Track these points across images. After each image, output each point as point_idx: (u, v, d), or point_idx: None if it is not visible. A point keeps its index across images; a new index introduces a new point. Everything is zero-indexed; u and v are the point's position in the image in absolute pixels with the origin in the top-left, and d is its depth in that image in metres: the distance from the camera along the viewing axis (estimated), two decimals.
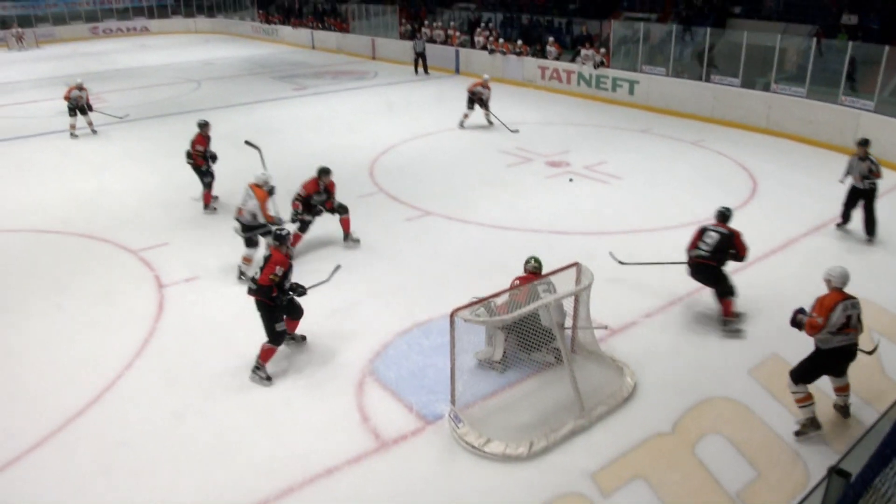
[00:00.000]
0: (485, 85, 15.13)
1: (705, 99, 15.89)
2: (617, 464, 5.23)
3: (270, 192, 8.21)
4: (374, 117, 17.01)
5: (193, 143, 10.40)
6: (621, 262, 7.85)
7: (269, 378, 6.32)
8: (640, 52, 17.78)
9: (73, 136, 15.36)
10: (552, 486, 5.02)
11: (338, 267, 7.20)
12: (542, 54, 20.23)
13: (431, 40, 23.55)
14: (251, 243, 8.26)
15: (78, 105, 15.21)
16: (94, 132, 15.76)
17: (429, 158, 13.26)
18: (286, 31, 33.70)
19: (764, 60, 15.06)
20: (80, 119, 15.39)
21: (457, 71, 23.02)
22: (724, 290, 6.98)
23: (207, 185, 10.61)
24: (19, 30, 35.71)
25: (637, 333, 6.99)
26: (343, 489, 5.07)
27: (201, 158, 10.38)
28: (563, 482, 5.05)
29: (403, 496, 5.00)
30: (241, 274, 8.20)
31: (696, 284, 7.30)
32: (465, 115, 15.28)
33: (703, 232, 7.04)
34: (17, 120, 17.73)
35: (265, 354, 6.31)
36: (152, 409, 6.00)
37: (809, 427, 5.47)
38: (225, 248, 9.17)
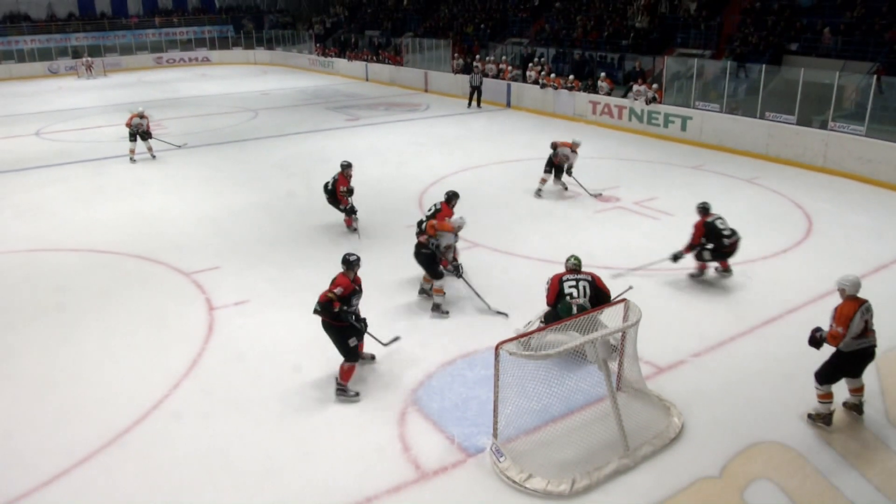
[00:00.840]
0: (574, 149, 12.76)
1: (760, 136, 15.64)
2: None
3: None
4: (425, 148, 17.23)
5: (336, 183, 10.65)
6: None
7: (356, 394, 6.46)
8: (693, 88, 17.65)
9: (132, 160, 16.00)
10: None
11: (397, 338, 7.22)
12: (594, 89, 20.25)
13: (484, 74, 23.79)
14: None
15: (139, 131, 15.83)
16: (154, 157, 16.35)
17: (478, 191, 13.30)
18: (341, 63, 34.52)
19: (821, 98, 14.77)
20: (141, 145, 16.01)
21: (508, 105, 23.20)
22: None
23: (348, 213, 10.93)
24: (89, 59, 37.45)
25: (685, 373, 6.83)
26: None
27: (345, 197, 10.66)
28: None
29: None
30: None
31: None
32: (543, 181, 12.94)
33: None
34: (84, 144, 18.50)
35: (344, 374, 6.44)
36: (197, 431, 6.10)
37: (820, 420, 5.88)
38: (274, 272, 9.36)
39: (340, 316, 6.28)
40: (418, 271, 8.81)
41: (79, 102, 26.80)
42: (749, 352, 7.17)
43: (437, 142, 18.05)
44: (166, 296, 8.86)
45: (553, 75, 21.55)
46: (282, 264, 9.74)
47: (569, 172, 12.90)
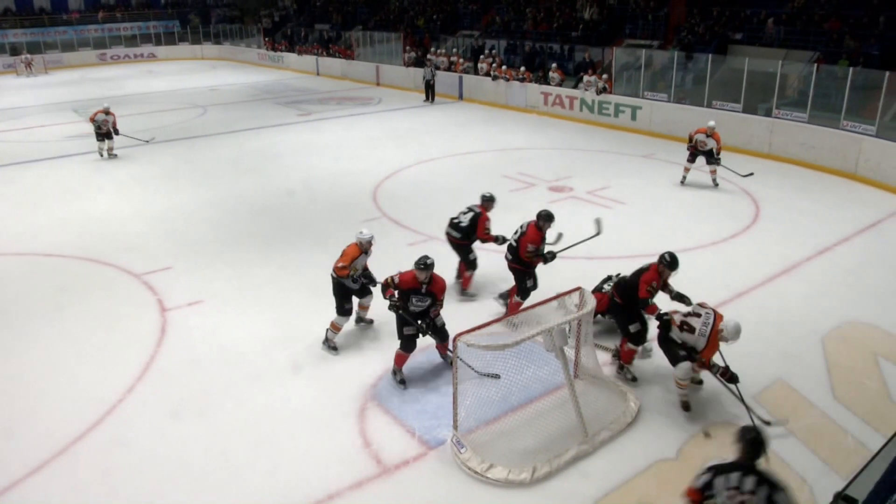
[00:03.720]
0: (709, 133, 12.27)
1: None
2: (620, 491, 5.18)
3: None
4: (379, 142, 17.12)
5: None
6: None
7: (402, 382, 6.55)
8: (642, 78, 17.93)
9: (102, 156, 15.74)
10: None
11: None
12: (545, 80, 20.41)
13: (436, 67, 23.76)
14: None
15: (103, 130, 15.38)
16: (114, 156, 15.87)
17: (432, 184, 13.32)
18: (292, 58, 34.08)
19: (765, 86, 15.18)
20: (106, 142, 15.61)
21: (460, 97, 23.23)
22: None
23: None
24: (29, 56, 36.21)
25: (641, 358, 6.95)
26: None
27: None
28: None
29: None
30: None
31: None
32: (686, 170, 12.82)
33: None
34: (26, 144, 17.89)
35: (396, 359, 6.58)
36: (153, 434, 5.97)
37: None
38: (228, 271, 9.22)
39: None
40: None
41: (20, 101, 25.88)
42: None
43: (391, 135, 17.97)
44: (117, 299, 8.64)
45: (504, 67, 21.66)
46: (236, 263, 9.58)
47: (712, 160, 12.41)
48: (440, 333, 6.59)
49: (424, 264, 6.27)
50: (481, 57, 23.00)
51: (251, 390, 6.55)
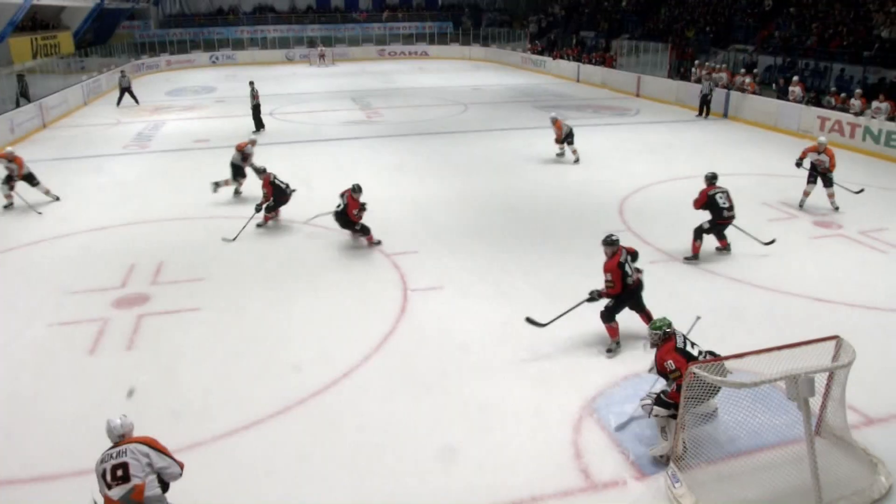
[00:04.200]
0: (820, 150, 11.95)
1: None
2: None
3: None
4: (631, 155, 16.79)
5: (348, 207, 10.08)
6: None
7: (609, 350, 7.27)
8: None
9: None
10: None
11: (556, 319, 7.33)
12: (818, 103, 18.43)
13: (715, 83, 22.23)
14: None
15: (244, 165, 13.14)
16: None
17: (682, 203, 12.72)
18: (553, 62, 34.56)
19: None
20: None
21: (725, 115, 21.89)
22: None
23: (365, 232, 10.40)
24: (323, 48, 40.83)
25: None
26: None
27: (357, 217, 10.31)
28: None
29: None
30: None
31: None
32: (806, 193, 12.32)
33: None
34: (309, 126, 20.20)
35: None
36: (379, 404, 6.50)
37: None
38: (469, 263, 9.65)
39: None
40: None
41: (308, 88, 29.28)
42: None
43: (645, 149, 17.50)
44: (368, 274, 9.48)
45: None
46: (478, 256, 10.01)
47: (827, 182, 12.10)
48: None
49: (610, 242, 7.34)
50: (794, 80, 20.69)
51: (473, 380, 6.84)
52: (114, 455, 4.21)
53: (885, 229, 11.20)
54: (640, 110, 23.57)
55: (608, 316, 7.30)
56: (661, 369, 5.56)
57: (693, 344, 5.70)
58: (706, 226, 9.67)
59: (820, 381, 5.36)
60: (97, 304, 8.63)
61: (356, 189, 10.14)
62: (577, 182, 14.16)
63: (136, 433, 4.45)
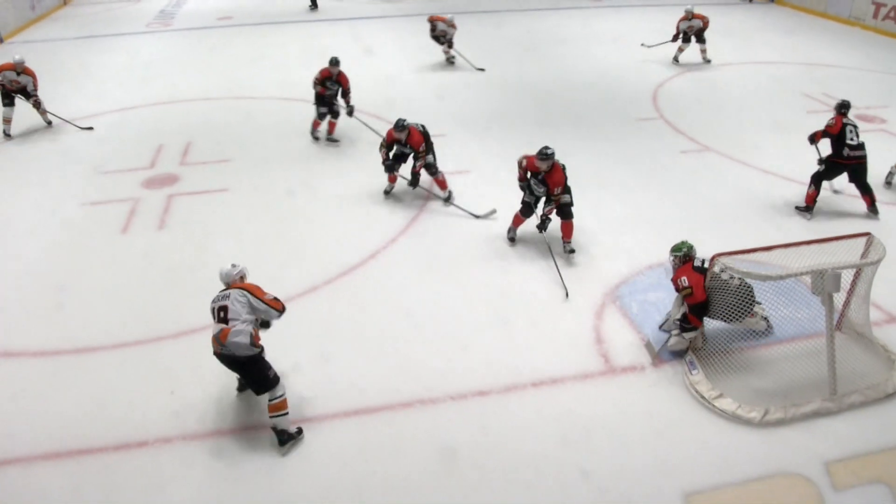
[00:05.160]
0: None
1: None
2: (859, 460, 4.74)
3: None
4: (668, 38, 16.04)
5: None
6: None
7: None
8: None
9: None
10: (778, 461, 4.73)
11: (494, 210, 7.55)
12: None
13: None
14: None
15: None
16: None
17: (719, 91, 12.32)
18: None
19: None
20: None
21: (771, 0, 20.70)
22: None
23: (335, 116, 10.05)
24: None
25: None
26: (563, 401, 5.25)
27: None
28: (792, 461, 4.73)
29: (619, 425, 5.04)
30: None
31: None
32: (680, 49, 13.84)
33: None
34: (332, 4, 19.40)
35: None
36: (407, 287, 6.64)
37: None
38: (496, 148, 9.52)
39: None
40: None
41: None
42: None
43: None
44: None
45: None
46: (504, 142, 9.84)
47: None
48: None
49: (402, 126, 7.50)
50: None
51: (498, 264, 6.92)
52: (219, 298, 4.81)
53: None
54: None
55: (526, 210, 7.13)
56: (676, 287, 5.51)
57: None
58: (822, 167, 7.88)
59: (846, 277, 5.34)
60: (128, 183, 8.73)
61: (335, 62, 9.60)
62: (612, 66, 13.65)
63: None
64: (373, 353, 5.75)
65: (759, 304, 5.71)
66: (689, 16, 13.23)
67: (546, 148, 6.69)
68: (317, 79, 9.48)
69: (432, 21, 13.26)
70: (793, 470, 4.68)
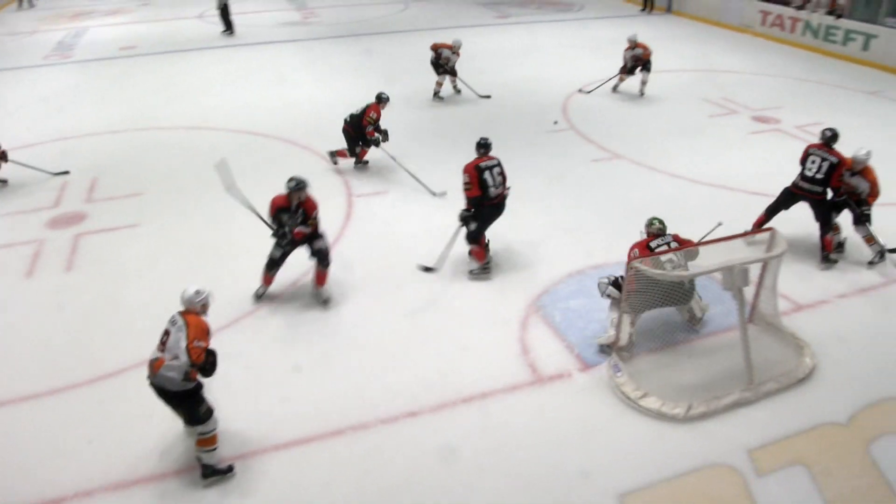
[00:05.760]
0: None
1: None
2: (778, 445, 4.97)
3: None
4: (576, 52, 16.58)
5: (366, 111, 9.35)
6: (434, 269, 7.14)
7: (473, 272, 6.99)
8: (883, 1, 15.65)
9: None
10: (704, 453, 4.90)
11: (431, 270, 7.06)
12: None
13: None
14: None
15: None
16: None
17: (626, 100, 12.78)
18: None
19: None
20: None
21: (668, 9, 21.67)
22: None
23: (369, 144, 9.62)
24: None
25: (826, 314, 6.47)
26: (493, 414, 5.27)
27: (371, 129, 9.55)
28: (717, 452, 4.91)
29: (550, 432, 5.11)
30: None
31: None
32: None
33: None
34: (240, 28, 19.13)
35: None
36: (332, 309, 6.55)
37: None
38: (414, 166, 9.56)
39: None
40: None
41: None
42: None
43: (590, 45, 17.27)
44: (310, 181, 9.26)
45: None
46: (422, 157, 9.90)
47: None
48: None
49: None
50: None
51: (419, 283, 6.91)
52: (170, 321, 4.55)
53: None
54: (584, 5, 23.11)
55: (474, 237, 6.92)
56: (628, 257, 5.62)
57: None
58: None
59: (754, 271, 5.60)
60: (31, 225, 8.30)
61: (381, 98, 9.30)
62: (522, 79, 13.98)
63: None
64: (299, 383, 5.64)
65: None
66: (633, 45, 12.57)
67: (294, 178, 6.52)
68: (372, 119, 9.13)
69: (436, 49, 12.65)
70: (719, 461, 4.85)
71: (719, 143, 10.65)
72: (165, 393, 4.53)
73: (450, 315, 6.47)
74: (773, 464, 4.82)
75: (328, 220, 8.11)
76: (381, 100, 9.28)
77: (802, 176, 7.09)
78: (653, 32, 18.73)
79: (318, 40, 17.65)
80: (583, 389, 5.52)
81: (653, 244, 5.73)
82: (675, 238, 5.84)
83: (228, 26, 18.70)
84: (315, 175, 9.41)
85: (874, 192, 6.94)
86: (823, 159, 6.93)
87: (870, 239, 7.05)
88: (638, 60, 12.61)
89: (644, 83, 12.76)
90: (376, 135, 9.06)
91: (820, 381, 5.58)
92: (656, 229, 5.89)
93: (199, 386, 4.60)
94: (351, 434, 5.11)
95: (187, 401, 4.57)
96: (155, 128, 11.50)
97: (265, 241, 7.78)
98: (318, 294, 6.70)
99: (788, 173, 9.31)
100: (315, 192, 8.89)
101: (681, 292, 5.68)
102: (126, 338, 6.10)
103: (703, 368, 5.62)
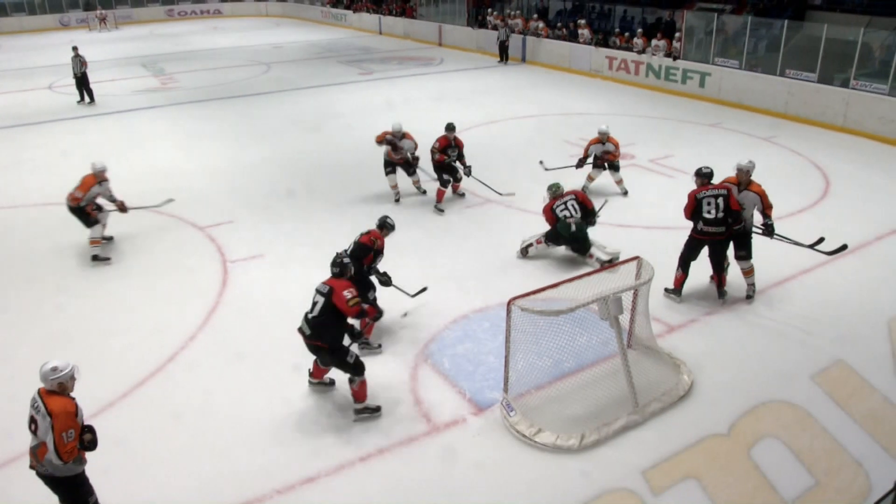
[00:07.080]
0: (604, 140, 10.36)
1: (779, 94, 15.34)
2: (669, 462, 5.16)
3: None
4: (439, 103, 17.03)
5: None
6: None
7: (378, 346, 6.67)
8: (713, 43, 17.28)
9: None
10: (602, 480, 5.00)
11: (424, 288, 7.13)
12: (605, 44, 19.81)
13: (511, 29, 23.13)
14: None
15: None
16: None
17: (493, 147, 13.22)
18: (354, 16, 34.04)
19: (844, 55, 14.42)
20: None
21: (523, 60, 22.85)
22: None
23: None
24: (102, 11, 37.14)
25: (696, 332, 6.86)
26: (393, 469, 5.16)
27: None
28: (614, 477, 5.02)
29: (452, 480, 5.05)
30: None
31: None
32: (590, 178, 10.74)
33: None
34: (97, 98, 18.40)
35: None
36: (212, 383, 6.22)
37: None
38: (287, 226, 9.40)
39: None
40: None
41: (91, 55, 26.45)
42: (761, 312, 7.16)
43: (452, 97, 17.85)
44: (181, 250, 8.93)
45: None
46: (296, 218, 9.78)
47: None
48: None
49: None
50: (582, 23, 21.15)
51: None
52: (32, 402, 4.08)
53: (671, 156, 12.34)
54: (444, 59, 23.94)
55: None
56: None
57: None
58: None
59: (627, 298, 5.86)
60: None
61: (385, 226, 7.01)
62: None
63: None
64: (185, 462, 5.28)
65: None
66: (604, 139, 10.29)
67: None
68: (435, 147, 9.32)
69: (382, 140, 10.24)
70: (617, 485, 4.95)
71: (582, 181, 11.18)
72: (53, 480, 4.18)
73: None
74: (666, 482, 4.98)
75: (201, 290, 7.79)
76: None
77: (704, 221, 6.99)
78: (512, 82, 19.71)
79: (177, 105, 17.18)
80: (479, 433, 5.51)
81: (556, 206, 8.00)
82: (576, 194, 8.22)
83: (85, 96, 17.86)
84: (183, 242, 9.11)
85: (767, 203, 7.13)
86: (716, 197, 6.95)
87: (748, 272, 7.29)
88: (605, 157, 10.42)
89: (620, 182, 10.60)
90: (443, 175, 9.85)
91: (699, 396, 5.86)
92: (554, 192, 8.11)
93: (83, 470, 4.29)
94: None
95: (74, 491, 4.27)
96: (3, 207, 10.69)
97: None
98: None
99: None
100: (184, 258, 8.60)
101: (578, 246, 8.13)
102: None
103: (590, 397, 5.76)
